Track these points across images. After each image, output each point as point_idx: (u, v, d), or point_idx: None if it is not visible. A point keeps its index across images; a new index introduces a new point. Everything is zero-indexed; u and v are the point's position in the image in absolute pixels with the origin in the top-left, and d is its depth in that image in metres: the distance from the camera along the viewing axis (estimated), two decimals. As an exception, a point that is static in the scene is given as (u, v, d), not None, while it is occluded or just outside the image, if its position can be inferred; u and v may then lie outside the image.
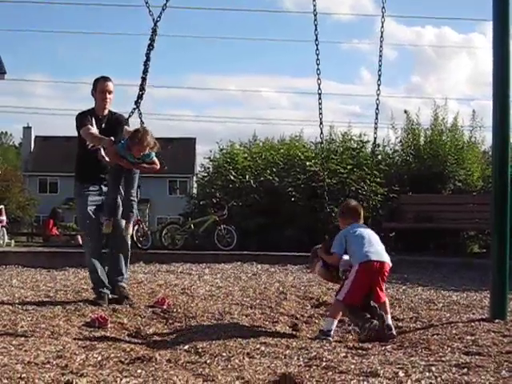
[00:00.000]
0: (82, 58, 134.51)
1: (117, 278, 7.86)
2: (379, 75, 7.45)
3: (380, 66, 7.50)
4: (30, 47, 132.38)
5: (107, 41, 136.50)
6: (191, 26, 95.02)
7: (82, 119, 7.80)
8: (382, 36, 7.48)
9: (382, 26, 7.47)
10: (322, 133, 7.64)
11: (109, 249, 8.05)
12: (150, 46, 7.73)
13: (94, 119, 7.83)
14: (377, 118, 7.47)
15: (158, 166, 7.64)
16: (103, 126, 7.87)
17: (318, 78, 7.33)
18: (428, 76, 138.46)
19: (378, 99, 7.40)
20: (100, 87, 7.89)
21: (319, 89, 7.33)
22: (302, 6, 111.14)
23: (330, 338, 6.00)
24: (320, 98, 7.38)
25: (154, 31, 7.71)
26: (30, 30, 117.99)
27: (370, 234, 6.45)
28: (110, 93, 7.93)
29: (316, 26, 7.45)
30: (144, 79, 7.74)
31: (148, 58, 7.74)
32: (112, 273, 7.88)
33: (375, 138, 7.97)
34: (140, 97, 7.82)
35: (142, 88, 7.80)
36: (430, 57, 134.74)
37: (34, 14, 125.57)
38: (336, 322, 6.24)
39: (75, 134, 7.81)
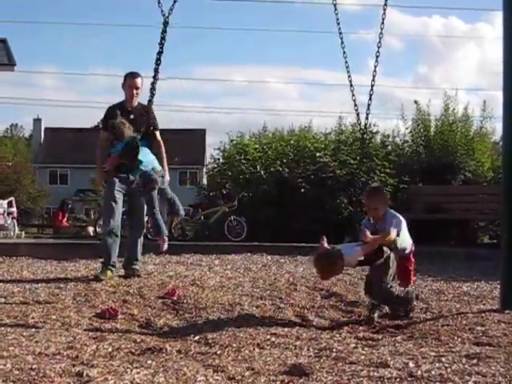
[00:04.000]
0: (91, 50, 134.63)
1: (131, 260, 8.85)
2: (375, 66, 7.43)
3: (377, 56, 7.46)
4: (38, 39, 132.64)
5: (117, 32, 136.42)
6: (199, 17, 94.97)
7: (107, 120, 8.76)
8: (382, 23, 7.42)
9: (383, 20, 7.42)
10: (359, 124, 7.68)
11: (127, 234, 9.16)
12: (162, 40, 7.79)
13: (122, 111, 8.61)
14: (369, 109, 7.43)
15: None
16: (131, 116, 8.66)
17: (348, 71, 7.35)
18: (435, 66, 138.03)
19: (371, 90, 7.36)
20: (129, 83, 8.77)
21: (351, 86, 7.34)
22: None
23: None
24: (352, 91, 7.37)
25: (166, 24, 7.73)
26: (38, 21, 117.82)
27: None
28: (137, 88, 8.79)
29: (338, 20, 7.44)
30: (156, 70, 7.85)
31: (161, 51, 7.82)
32: (127, 256, 8.92)
33: (365, 125, 7.79)
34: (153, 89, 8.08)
35: (154, 80, 7.96)
36: (437, 47, 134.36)
37: (43, 4, 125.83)
38: None
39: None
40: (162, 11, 7.69)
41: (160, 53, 7.76)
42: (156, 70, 7.78)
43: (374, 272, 6.54)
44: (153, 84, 8.01)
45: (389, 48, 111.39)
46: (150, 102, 8.25)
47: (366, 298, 7.09)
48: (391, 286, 6.38)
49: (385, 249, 6.35)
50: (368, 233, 6.36)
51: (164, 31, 7.72)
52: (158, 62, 7.80)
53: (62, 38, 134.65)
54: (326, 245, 6.37)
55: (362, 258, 6.33)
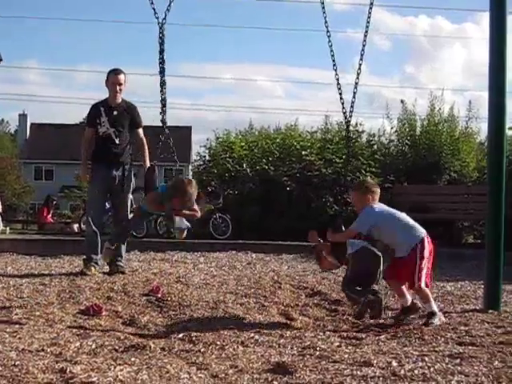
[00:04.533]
0: (77, 46, 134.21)
1: (116, 257, 8.71)
2: (360, 64, 7.37)
3: (362, 54, 7.41)
4: (24, 34, 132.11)
5: (104, 28, 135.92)
6: (186, 15, 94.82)
7: (90, 117, 8.91)
8: (367, 26, 7.40)
9: (369, 17, 7.41)
10: (347, 125, 7.66)
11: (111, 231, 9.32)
12: (160, 40, 7.18)
13: (105, 108, 8.77)
14: (352, 106, 7.38)
15: (199, 214, 7.29)
16: (115, 113, 8.80)
17: (336, 71, 7.31)
18: (422, 66, 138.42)
19: (355, 87, 7.32)
20: (111, 79, 8.84)
21: (338, 85, 7.30)
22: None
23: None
24: (340, 89, 7.32)
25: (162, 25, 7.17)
26: (24, 16, 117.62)
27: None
28: (120, 84, 8.84)
29: (325, 19, 7.39)
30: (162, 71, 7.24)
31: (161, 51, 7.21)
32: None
33: (348, 121, 7.71)
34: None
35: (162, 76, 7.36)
36: (424, 47, 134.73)
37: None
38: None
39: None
40: (155, 13, 7.12)
41: (162, 63, 7.14)
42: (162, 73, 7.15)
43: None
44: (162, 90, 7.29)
45: (376, 47, 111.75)
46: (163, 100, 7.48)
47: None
48: (348, 289, 6.34)
49: (349, 250, 6.39)
50: (329, 232, 6.53)
51: (162, 35, 7.13)
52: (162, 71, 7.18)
53: (48, 33, 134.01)
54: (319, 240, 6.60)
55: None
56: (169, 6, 7.00)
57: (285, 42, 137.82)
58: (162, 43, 6.93)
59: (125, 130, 8.84)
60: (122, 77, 8.88)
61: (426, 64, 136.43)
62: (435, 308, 6.26)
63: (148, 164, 8.63)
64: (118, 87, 8.82)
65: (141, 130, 8.98)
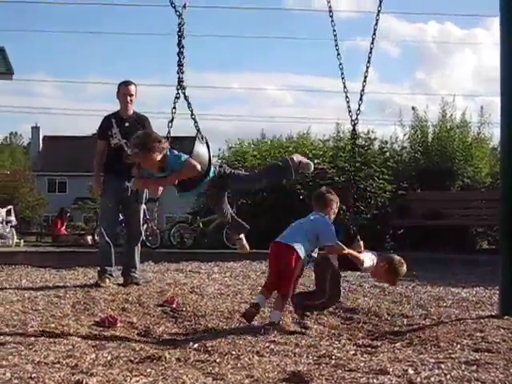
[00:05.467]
0: (88, 58, 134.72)
1: (130, 268, 8.90)
2: (367, 67, 7.39)
3: (369, 57, 7.43)
4: (35, 47, 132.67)
5: (115, 40, 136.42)
6: (194, 25, 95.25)
7: (102, 129, 8.98)
8: (374, 34, 7.40)
9: (376, 24, 7.41)
10: (354, 133, 7.70)
11: (124, 242, 9.26)
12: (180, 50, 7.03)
13: (117, 120, 8.84)
14: (359, 109, 7.41)
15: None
16: (126, 124, 8.82)
17: (343, 79, 7.34)
18: (432, 72, 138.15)
19: (361, 94, 7.34)
20: (122, 91, 8.90)
21: (345, 93, 7.32)
22: (303, 3, 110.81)
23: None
24: (347, 97, 7.34)
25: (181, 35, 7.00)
26: (35, 29, 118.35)
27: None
28: (131, 96, 8.90)
29: (333, 27, 7.42)
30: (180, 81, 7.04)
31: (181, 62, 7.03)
32: (125, 264, 8.99)
33: (354, 126, 7.69)
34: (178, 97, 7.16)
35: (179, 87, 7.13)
36: (434, 53, 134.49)
37: (40, 12, 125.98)
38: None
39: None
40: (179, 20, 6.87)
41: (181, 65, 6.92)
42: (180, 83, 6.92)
43: None
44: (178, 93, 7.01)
45: (386, 54, 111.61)
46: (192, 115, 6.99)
47: (365, 305, 7.13)
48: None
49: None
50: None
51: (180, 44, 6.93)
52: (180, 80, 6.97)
53: (59, 45, 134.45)
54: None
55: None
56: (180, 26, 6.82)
57: (293, 51, 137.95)
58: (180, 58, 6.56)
59: None
60: (132, 88, 8.95)
61: (436, 70, 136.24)
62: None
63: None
64: (128, 98, 8.88)
65: None
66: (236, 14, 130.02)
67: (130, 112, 8.95)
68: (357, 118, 7.39)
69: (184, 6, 6.57)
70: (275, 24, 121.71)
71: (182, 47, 6.54)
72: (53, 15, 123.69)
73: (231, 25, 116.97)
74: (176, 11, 6.59)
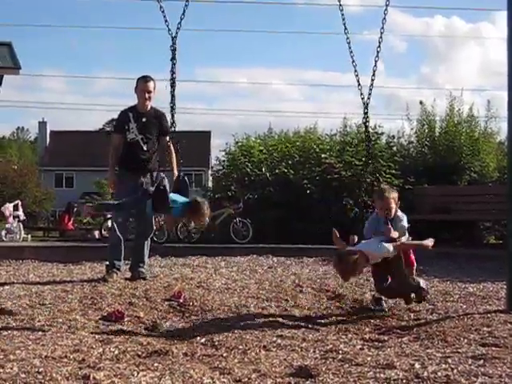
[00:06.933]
0: (96, 53, 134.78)
1: (138, 263, 8.93)
2: (375, 61, 7.40)
3: (378, 52, 7.44)
4: (43, 41, 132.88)
5: (121, 35, 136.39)
6: (200, 20, 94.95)
7: (119, 123, 9.08)
8: (382, 28, 7.40)
9: (384, 18, 7.40)
10: (366, 130, 7.72)
11: (134, 236, 9.24)
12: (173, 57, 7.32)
13: (134, 115, 8.81)
14: (367, 108, 7.42)
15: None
16: (143, 120, 8.84)
17: (356, 73, 7.35)
18: (438, 66, 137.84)
19: (370, 89, 7.36)
20: (140, 87, 8.85)
21: (359, 85, 7.34)
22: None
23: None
24: (362, 94, 7.37)
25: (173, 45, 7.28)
26: (42, 24, 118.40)
27: None
28: (149, 92, 8.85)
29: (344, 21, 7.43)
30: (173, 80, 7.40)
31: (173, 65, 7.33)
32: (134, 259, 9.01)
33: (366, 121, 7.70)
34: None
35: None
36: (440, 47, 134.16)
37: (47, 7, 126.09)
38: None
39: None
40: (169, 30, 7.27)
41: (173, 74, 7.28)
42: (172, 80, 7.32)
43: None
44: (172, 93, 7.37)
45: (392, 49, 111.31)
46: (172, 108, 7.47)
47: (370, 298, 7.19)
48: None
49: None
50: (392, 230, 6.58)
51: (174, 50, 7.28)
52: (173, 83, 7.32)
53: (67, 40, 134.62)
54: (344, 243, 6.61)
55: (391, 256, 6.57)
56: (179, 23, 7.24)
57: (300, 45, 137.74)
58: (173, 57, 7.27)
59: (153, 137, 8.84)
60: (151, 84, 8.87)
61: (442, 64, 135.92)
62: None
63: (176, 172, 8.64)
64: (147, 94, 8.81)
65: (168, 138, 8.82)
66: (241, 9, 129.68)
67: (148, 107, 8.92)
68: (367, 112, 7.42)
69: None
70: (280, 18, 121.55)
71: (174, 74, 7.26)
72: (58, 9, 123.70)
73: (236, 19, 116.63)
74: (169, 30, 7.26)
